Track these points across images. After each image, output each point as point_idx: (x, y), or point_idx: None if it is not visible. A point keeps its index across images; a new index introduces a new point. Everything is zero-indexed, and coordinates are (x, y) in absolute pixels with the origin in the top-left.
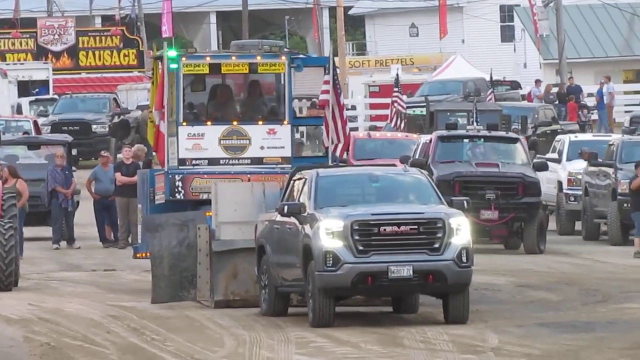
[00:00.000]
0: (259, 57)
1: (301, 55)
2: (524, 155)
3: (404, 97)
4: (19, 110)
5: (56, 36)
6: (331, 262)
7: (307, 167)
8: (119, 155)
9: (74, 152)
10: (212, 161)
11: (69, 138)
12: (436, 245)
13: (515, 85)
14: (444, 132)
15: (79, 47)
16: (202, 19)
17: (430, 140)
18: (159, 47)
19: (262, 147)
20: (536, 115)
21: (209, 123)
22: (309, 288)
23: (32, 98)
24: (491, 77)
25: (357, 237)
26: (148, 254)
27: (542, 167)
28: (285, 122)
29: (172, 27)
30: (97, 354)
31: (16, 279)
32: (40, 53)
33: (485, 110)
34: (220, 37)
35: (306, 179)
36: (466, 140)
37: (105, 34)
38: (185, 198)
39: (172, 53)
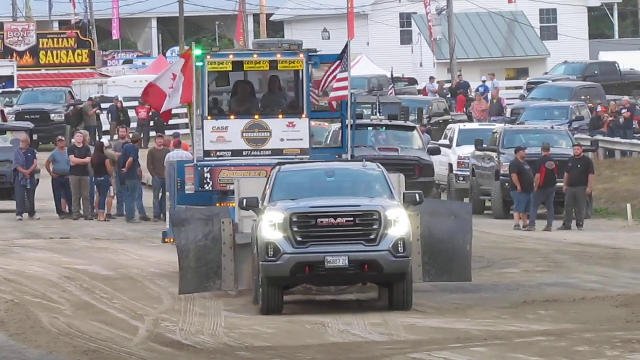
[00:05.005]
0: (279, 55)
1: (318, 53)
2: (420, 142)
3: (317, 91)
4: None
5: (20, 38)
6: (272, 252)
7: (286, 163)
8: (72, 140)
9: (35, 137)
10: (236, 153)
11: (31, 125)
12: (372, 237)
13: (413, 81)
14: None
15: (39, 47)
16: (145, 24)
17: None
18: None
19: (282, 140)
20: (431, 107)
21: (232, 117)
22: (258, 277)
23: (0, 91)
24: (392, 75)
25: (296, 229)
26: None
27: (436, 151)
28: (304, 116)
29: (120, 31)
30: (54, 310)
31: None
32: (6, 52)
33: (387, 103)
34: (161, 39)
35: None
36: (370, 129)
37: (62, 36)
38: (213, 189)
39: (198, 52)
